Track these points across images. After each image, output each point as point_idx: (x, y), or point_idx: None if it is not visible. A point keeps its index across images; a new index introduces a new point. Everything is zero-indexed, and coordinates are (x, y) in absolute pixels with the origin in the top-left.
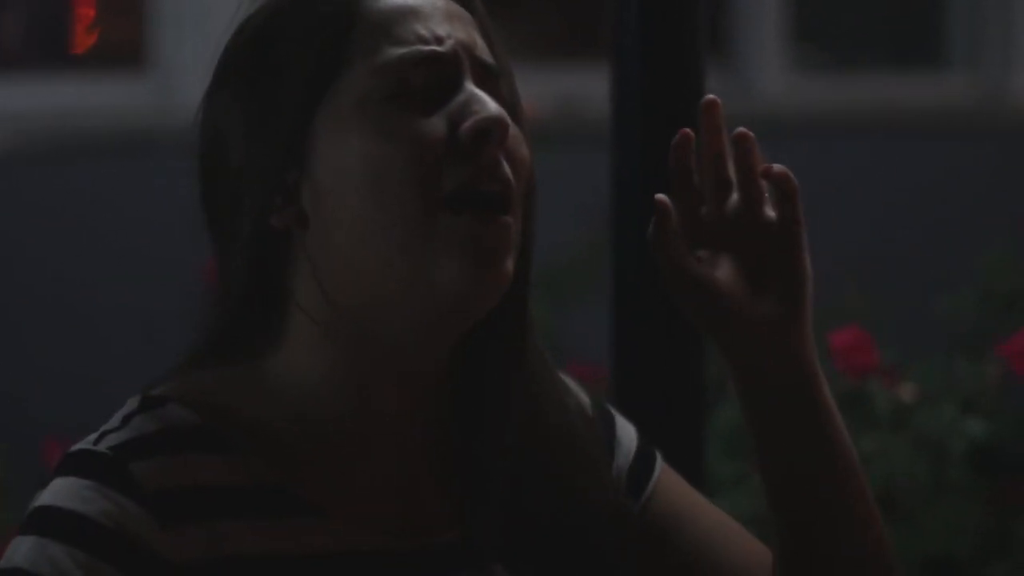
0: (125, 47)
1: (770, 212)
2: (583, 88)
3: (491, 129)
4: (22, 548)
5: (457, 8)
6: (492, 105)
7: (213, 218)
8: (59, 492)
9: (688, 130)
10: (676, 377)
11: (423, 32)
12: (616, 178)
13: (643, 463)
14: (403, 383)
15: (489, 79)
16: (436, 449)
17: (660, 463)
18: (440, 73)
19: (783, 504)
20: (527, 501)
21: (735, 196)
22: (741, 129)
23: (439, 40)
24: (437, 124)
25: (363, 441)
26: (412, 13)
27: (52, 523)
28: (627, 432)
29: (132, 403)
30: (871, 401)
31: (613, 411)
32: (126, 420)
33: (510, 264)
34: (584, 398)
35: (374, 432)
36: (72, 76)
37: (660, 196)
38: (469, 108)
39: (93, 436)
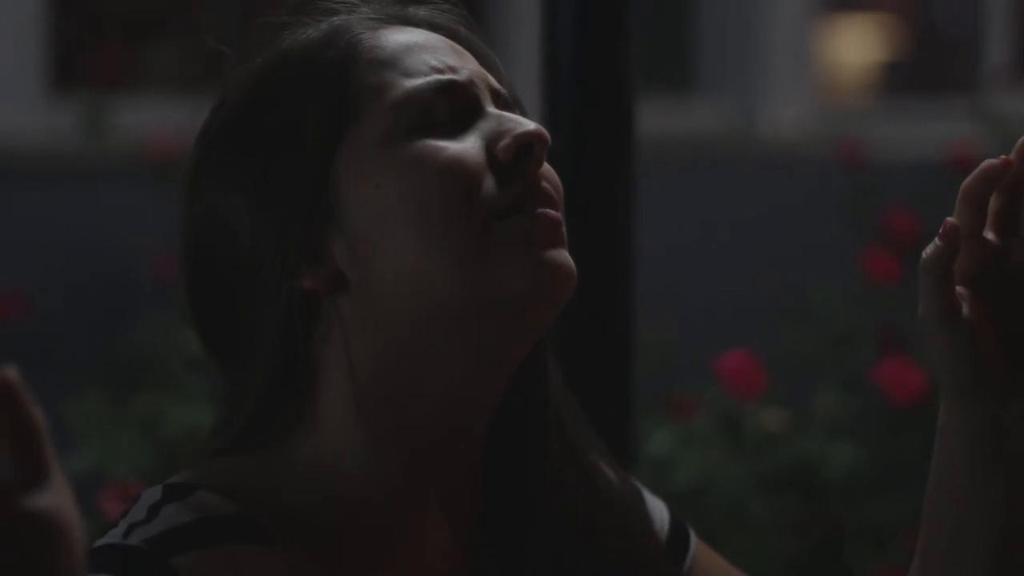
0: None
1: None
2: None
3: (532, 144)
4: None
5: (458, 45)
6: (527, 121)
7: (215, 302)
8: None
9: (1007, 157)
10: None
11: (434, 63)
12: None
13: (679, 535)
14: (449, 451)
15: (506, 107)
16: (472, 523)
17: (693, 534)
18: (461, 101)
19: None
20: (574, 573)
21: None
22: None
23: (453, 69)
24: (472, 146)
25: (405, 521)
26: (417, 47)
27: None
28: (656, 504)
29: (154, 492)
30: (744, 426)
31: (637, 482)
32: (153, 511)
33: (570, 258)
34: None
35: (416, 510)
36: None
37: (951, 220)
38: (503, 127)
39: (118, 530)
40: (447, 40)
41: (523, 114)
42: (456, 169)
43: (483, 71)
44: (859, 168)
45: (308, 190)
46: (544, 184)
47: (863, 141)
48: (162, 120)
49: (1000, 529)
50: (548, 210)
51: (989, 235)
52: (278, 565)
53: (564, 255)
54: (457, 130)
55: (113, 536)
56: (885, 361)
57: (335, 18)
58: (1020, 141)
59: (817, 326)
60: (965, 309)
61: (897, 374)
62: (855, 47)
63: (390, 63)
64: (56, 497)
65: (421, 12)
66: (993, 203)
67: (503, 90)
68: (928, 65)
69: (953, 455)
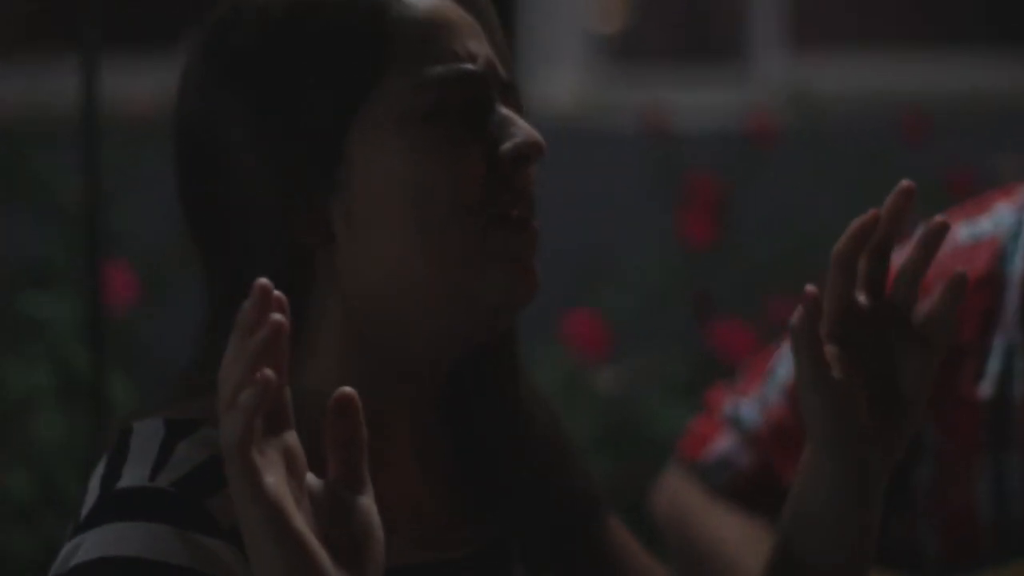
0: None
1: (925, 325)
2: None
3: (530, 155)
4: None
5: (475, 21)
6: (529, 128)
7: (207, 222)
8: (131, 540)
9: (877, 211)
10: None
11: (458, 49)
12: None
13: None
14: (421, 394)
15: (509, 95)
16: (438, 461)
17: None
18: (475, 93)
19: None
20: (531, 505)
21: (901, 295)
22: (941, 217)
23: (472, 58)
24: (477, 145)
25: (383, 456)
26: (445, 27)
27: None
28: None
29: (154, 428)
30: (584, 386)
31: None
32: (166, 449)
33: (539, 269)
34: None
35: (392, 445)
36: None
37: (811, 288)
38: (507, 130)
39: (139, 472)
40: (466, 16)
41: (519, 98)
42: (461, 168)
43: (494, 58)
44: (662, 136)
45: (322, 146)
46: (531, 189)
47: (657, 108)
48: None
49: (851, 548)
50: (533, 224)
51: (861, 297)
52: None
53: (536, 274)
54: (468, 122)
55: (134, 479)
56: (718, 323)
57: None
58: (898, 189)
59: (636, 289)
60: (835, 369)
61: (730, 335)
62: (622, 13)
63: (418, 40)
64: (372, 502)
65: None
66: (862, 265)
67: (507, 78)
68: (702, 33)
69: (816, 490)
